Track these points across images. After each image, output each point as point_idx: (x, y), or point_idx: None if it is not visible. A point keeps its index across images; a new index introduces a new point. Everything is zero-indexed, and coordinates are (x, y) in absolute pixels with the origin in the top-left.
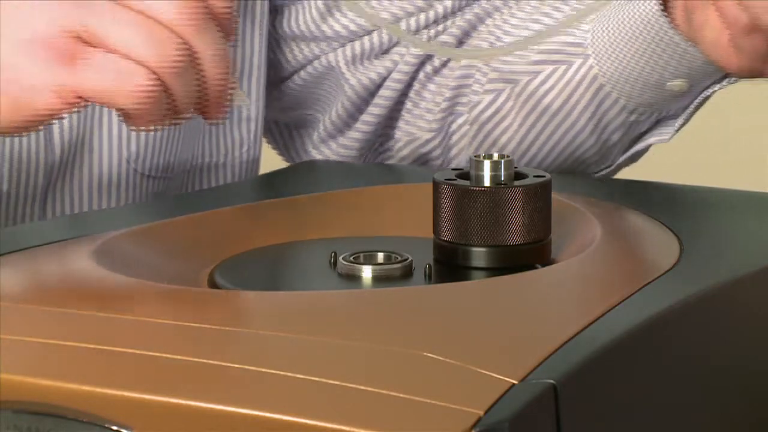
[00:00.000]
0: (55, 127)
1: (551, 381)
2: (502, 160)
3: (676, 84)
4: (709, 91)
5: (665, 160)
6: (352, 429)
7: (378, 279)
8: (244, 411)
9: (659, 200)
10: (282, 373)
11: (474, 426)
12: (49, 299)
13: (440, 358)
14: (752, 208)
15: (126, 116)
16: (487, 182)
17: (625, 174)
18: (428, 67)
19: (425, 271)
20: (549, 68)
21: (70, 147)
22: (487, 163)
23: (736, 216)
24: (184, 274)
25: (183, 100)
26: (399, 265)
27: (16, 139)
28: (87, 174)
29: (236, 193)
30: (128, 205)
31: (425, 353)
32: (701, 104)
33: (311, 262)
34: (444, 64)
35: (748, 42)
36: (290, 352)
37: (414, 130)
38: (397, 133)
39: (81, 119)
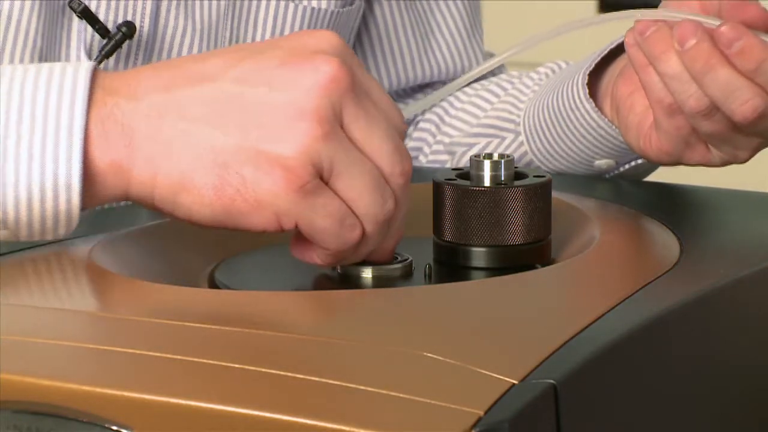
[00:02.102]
0: None
1: (551, 381)
2: (503, 160)
3: (603, 162)
4: (633, 163)
5: None
6: (352, 429)
7: (378, 279)
8: (244, 411)
9: (659, 200)
10: (282, 373)
11: (474, 426)
12: (49, 299)
13: (440, 358)
14: (752, 208)
15: (314, 246)
16: (487, 182)
17: None
18: None
19: (425, 271)
20: (483, 141)
21: None
22: (487, 163)
23: (736, 216)
24: (184, 274)
25: (371, 245)
26: (399, 265)
27: None
28: None
29: None
30: (128, 205)
31: (425, 353)
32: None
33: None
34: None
35: (671, 123)
36: (290, 352)
37: None
38: None
39: None
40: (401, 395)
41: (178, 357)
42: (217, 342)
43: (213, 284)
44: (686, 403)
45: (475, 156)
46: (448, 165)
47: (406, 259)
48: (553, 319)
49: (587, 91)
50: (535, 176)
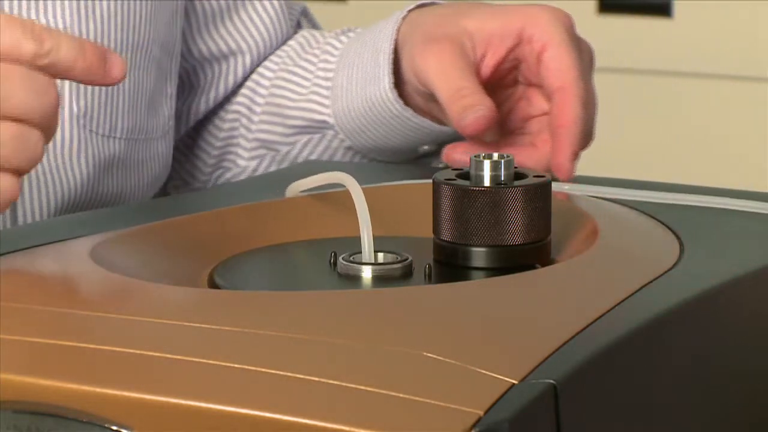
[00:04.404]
0: None
1: (551, 381)
2: (502, 160)
3: (424, 148)
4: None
5: (665, 160)
6: (352, 429)
7: (378, 279)
8: (244, 411)
9: (659, 200)
10: (282, 373)
11: (474, 426)
12: (49, 299)
13: (440, 358)
14: (752, 207)
15: None
16: (487, 182)
17: (626, 174)
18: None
19: (425, 271)
20: (305, 138)
21: None
22: (487, 163)
23: (736, 216)
24: (184, 274)
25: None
26: (399, 265)
27: None
28: None
29: (236, 193)
30: (128, 205)
31: (425, 353)
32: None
33: (311, 262)
34: (214, 110)
35: None
36: (290, 352)
37: (188, 178)
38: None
39: None
40: (401, 395)
41: (178, 357)
42: (217, 342)
43: (213, 284)
44: (686, 403)
45: (475, 156)
46: (268, 158)
47: (406, 259)
48: (553, 319)
49: (401, 102)
50: (535, 176)
